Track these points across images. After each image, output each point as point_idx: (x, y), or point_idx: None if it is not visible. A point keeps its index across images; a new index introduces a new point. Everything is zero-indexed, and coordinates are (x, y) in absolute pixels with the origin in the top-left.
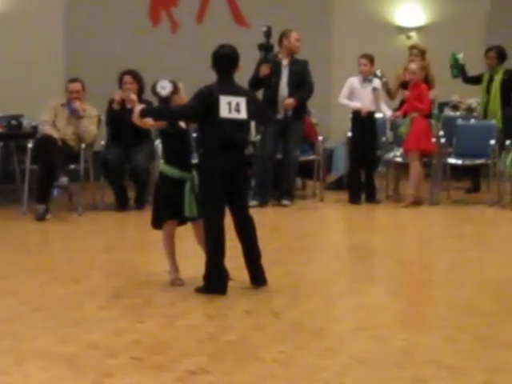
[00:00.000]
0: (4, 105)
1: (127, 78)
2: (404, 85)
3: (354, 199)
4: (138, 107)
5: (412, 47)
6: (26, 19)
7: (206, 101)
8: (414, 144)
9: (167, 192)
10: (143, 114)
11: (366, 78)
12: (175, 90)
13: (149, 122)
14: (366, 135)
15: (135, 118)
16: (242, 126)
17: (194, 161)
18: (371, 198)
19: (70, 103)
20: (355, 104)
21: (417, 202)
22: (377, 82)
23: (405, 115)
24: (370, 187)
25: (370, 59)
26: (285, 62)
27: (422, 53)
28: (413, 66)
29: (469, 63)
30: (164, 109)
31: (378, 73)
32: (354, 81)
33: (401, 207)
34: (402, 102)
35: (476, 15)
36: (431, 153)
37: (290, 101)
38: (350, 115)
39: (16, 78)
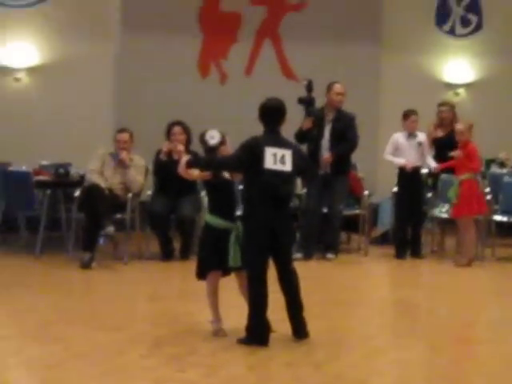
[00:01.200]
0: (52, 153)
1: (176, 129)
2: (436, 142)
3: (399, 255)
4: (185, 158)
5: (442, 104)
6: (77, 68)
7: (252, 151)
8: (466, 209)
9: (212, 242)
10: (189, 164)
11: (412, 134)
12: (223, 141)
13: (194, 173)
14: (413, 191)
15: (181, 168)
16: (286, 178)
17: (239, 212)
18: (417, 254)
19: (116, 152)
20: (400, 160)
21: (469, 264)
22: (422, 137)
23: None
24: (416, 243)
25: (417, 115)
26: (329, 117)
27: (452, 108)
28: (460, 126)
29: None
30: (210, 159)
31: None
32: (399, 136)
33: (453, 266)
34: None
35: None
36: (483, 213)
37: (327, 156)
38: (396, 170)
39: (65, 127)
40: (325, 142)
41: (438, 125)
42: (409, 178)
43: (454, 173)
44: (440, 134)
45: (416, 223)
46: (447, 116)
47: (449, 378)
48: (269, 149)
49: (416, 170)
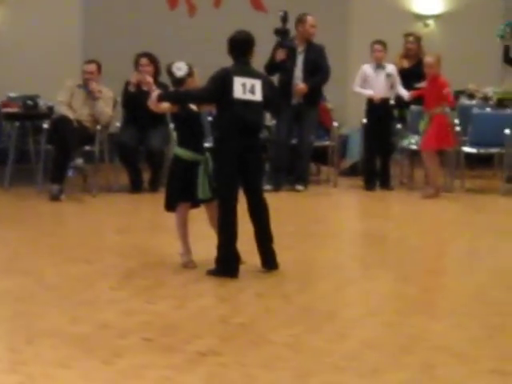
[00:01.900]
0: (20, 85)
1: (143, 61)
2: (402, 72)
3: (368, 186)
4: (155, 92)
5: (407, 34)
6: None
7: (222, 82)
8: (434, 143)
9: (180, 174)
10: (160, 98)
11: (380, 65)
12: (190, 73)
13: (163, 106)
14: (381, 122)
15: (152, 103)
16: (256, 108)
17: (208, 144)
18: (385, 185)
19: (86, 83)
20: (368, 92)
21: (436, 195)
22: (391, 68)
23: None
24: (385, 174)
25: (384, 45)
26: (300, 48)
27: (418, 40)
28: (429, 59)
29: (485, 52)
30: (181, 93)
31: None
32: (367, 68)
33: (421, 197)
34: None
35: (493, 3)
36: (452, 147)
37: (302, 86)
38: (365, 102)
39: (32, 59)
40: (297, 73)
41: (403, 55)
42: (377, 110)
43: (424, 105)
44: (406, 64)
45: (385, 155)
46: (413, 47)
47: (418, 308)
48: (238, 78)
49: (384, 101)
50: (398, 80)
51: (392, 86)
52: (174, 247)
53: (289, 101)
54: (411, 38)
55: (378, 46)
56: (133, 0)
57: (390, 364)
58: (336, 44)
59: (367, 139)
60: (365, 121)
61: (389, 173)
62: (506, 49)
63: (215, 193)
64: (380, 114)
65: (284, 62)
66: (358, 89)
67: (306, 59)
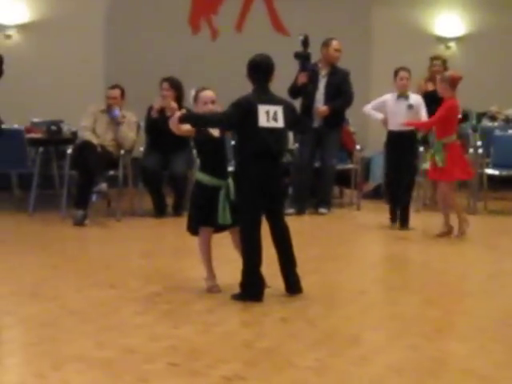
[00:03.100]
0: (44, 110)
1: (165, 85)
2: (427, 96)
3: (394, 221)
4: (177, 113)
5: (435, 58)
6: (67, 25)
7: (244, 110)
8: (448, 175)
9: (201, 199)
10: (182, 119)
11: (402, 95)
12: (194, 98)
13: (183, 128)
14: (400, 156)
15: (173, 123)
16: (280, 135)
17: (231, 168)
18: (404, 226)
19: (110, 108)
20: (377, 115)
21: (449, 233)
22: (415, 99)
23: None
24: (404, 215)
25: (409, 73)
26: (324, 72)
27: (444, 63)
28: (438, 77)
29: (507, 74)
30: (201, 115)
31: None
32: (389, 97)
33: (435, 236)
34: None
35: None
36: (469, 178)
37: (324, 108)
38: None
39: (56, 84)
40: (319, 96)
41: (428, 79)
42: (397, 143)
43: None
44: (430, 88)
45: (405, 193)
46: (439, 70)
47: (442, 331)
48: (262, 106)
49: (402, 134)
50: (423, 111)
51: (414, 118)
52: (198, 271)
53: (310, 124)
54: (438, 62)
55: (404, 74)
56: (156, 24)
57: None
58: (358, 67)
59: (388, 175)
60: (384, 153)
61: (408, 214)
62: None
63: (238, 217)
64: (400, 147)
65: (305, 86)
66: (368, 108)
67: (328, 83)
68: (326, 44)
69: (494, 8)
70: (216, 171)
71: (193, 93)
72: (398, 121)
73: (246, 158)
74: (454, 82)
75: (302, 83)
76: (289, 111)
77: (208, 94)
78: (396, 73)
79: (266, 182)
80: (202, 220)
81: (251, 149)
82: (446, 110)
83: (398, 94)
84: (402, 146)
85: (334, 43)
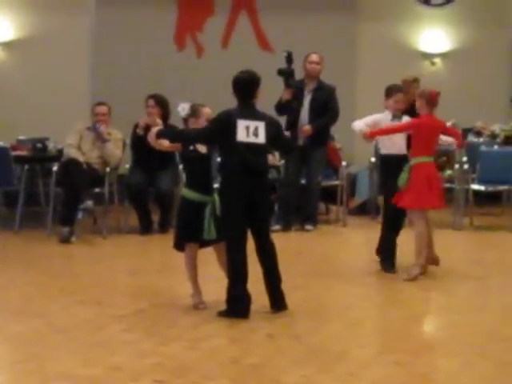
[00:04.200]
0: (29, 128)
1: (150, 102)
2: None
3: (387, 268)
4: (155, 128)
5: (414, 80)
6: (53, 42)
7: (223, 125)
8: (414, 201)
9: (187, 215)
10: (159, 135)
11: (396, 115)
12: (193, 114)
13: (164, 143)
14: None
15: (151, 138)
16: (260, 150)
17: (216, 185)
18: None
19: (95, 125)
20: (359, 124)
21: (436, 263)
22: (406, 118)
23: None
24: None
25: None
26: (309, 87)
27: (418, 83)
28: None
29: (492, 90)
30: (179, 131)
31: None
32: (382, 117)
33: (403, 280)
34: None
35: (500, 41)
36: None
37: (307, 128)
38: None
39: (42, 101)
40: (304, 113)
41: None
42: (392, 166)
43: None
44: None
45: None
46: (416, 91)
47: (429, 347)
48: (241, 121)
49: (400, 158)
50: None
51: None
52: (184, 288)
53: (295, 143)
54: (415, 84)
55: (399, 96)
56: (141, 42)
57: None
58: (344, 83)
59: (389, 205)
60: (380, 179)
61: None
62: None
63: (222, 234)
64: (395, 174)
65: (290, 102)
66: (357, 122)
67: (313, 99)
68: (305, 58)
69: (479, 24)
70: (202, 187)
71: (186, 108)
72: (396, 143)
73: (228, 173)
74: (431, 99)
75: (286, 100)
76: (272, 127)
77: (209, 111)
78: (389, 92)
79: (250, 198)
80: (188, 236)
81: (232, 164)
82: (406, 126)
83: (392, 115)
84: (398, 171)
85: (312, 56)
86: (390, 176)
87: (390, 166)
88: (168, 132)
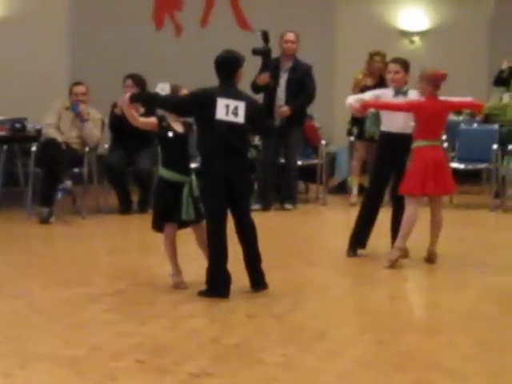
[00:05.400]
0: (8, 108)
1: (128, 82)
2: (364, 90)
3: (352, 249)
4: (128, 93)
5: (374, 54)
6: (30, 23)
7: (199, 100)
8: (410, 186)
9: (165, 195)
10: (132, 98)
11: (399, 91)
12: (173, 93)
13: (138, 118)
14: (396, 165)
15: (125, 104)
16: (239, 130)
17: (194, 165)
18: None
19: (74, 105)
20: (350, 99)
21: (404, 256)
22: (413, 94)
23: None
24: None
25: (405, 65)
26: (285, 66)
27: (384, 59)
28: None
29: (471, 68)
30: (153, 95)
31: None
32: (385, 92)
33: (384, 267)
34: None
35: (479, 19)
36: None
37: (285, 109)
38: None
39: (20, 82)
40: (280, 93)
41: (368, 73)
42: (393, 145)
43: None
44: (370, 82)
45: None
46: (379, 66)
47: (410, 325)
48: (221, 100)
49: (403, 137)
50: None
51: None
52: (164, 268)
53: (273, 124)
54: (378, 58)
55: (394, 67)
56: (119, 21)
57: (383, 382)
58: (322, 61)
59: (374, 181)
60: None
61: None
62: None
63: (202, 214)
64: (396, 152)
65: (268, 85)
66: (350, 97)
67: (289, 79)
68: (280, 37)
69: (458, 1)
70: (179, 167)
71: (165, 88)
72: (396, 120)
73: (207, 153)
74: (433, 80)
75: (264, 83)
76: (253, 108)
77: (186, 93)
78: (389, 65)
79: (230, 177)
80: (166, 216)
81: (211, 143)
82: (404, 106)
83: (395, 90)
84: (400, 151)
85: (287, 34)
86: (383, 155)
87: (385, 145)
88: (141, 95)
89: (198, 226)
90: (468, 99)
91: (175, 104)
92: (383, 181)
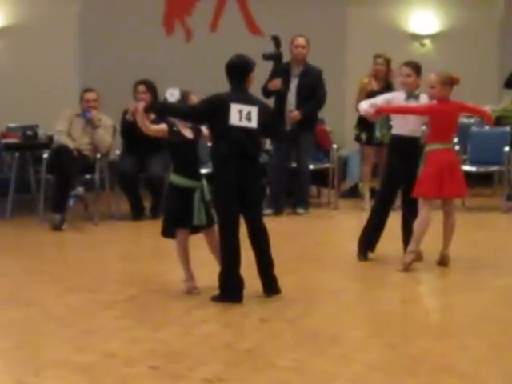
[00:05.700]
0: (19, 115)
1: (141, 88)
2: (371, 95)
3: (362, 254)
4: (142, 103)
5: (377, 56)
6: (41, 30)
7: (214, 107)
8: (419, 189)
9: (176, 201)
10: (147, 109)
11: (411, 94)
12: (183, 99)
13: (150, 127)
14: (408, 168)
15: (139, 114)
16: (252, 135)
17: (204, 170)
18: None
19: (85, 111)
20: (364, 104)
21: (418, 259)
22: (424, 98)
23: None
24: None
25: (417, 69)
26: (295, 71)
27: (387, 61)
28: (433, 76)
29: (482, 70)
30: (168, 105)
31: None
32: (397, 96)
33: (398, 270)
34: None
35: (490, 22)
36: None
37: (296, 114)
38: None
39: (31, 89)
40: (291, 97)
41: (373, 77)
42: (404, 149)
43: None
44: (376, 86)
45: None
46: (382, 69)
47: (422, 329)
48: (234, 105)
49: (415, 141)
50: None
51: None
52: (177, 274)
53: (284, 128)
54: (380, 60)
55: (406, 70)
56: (129, 27)
57: None
58: (333, 65)
59: (385, 185)
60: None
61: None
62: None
63: (213, 219)
64: (407, 158)
65: (279, 90)
66: (363, 102)
67: (300, 84)
68: (291, 42)
69: (468, 5)
70: (189, 173)
71: (175, 93)
72: (409, 123)
73: (220, 158)
74: (451, 83)
75: (275, 89)
76: (265, 113)
77: (195, 100)
78: (401, 68)
79: (242, 182)
80: (178, 222)
81: (225, 148)
82: (420, 110)
83: (407, 94)
84: (411, 154)
85: (298, 39)
86: (395, 158)
87: (397, 148)
88: (156, 105)
89: (209, 231)
90: (482, 108)
91: (190, 113)
92: (395, 184)
